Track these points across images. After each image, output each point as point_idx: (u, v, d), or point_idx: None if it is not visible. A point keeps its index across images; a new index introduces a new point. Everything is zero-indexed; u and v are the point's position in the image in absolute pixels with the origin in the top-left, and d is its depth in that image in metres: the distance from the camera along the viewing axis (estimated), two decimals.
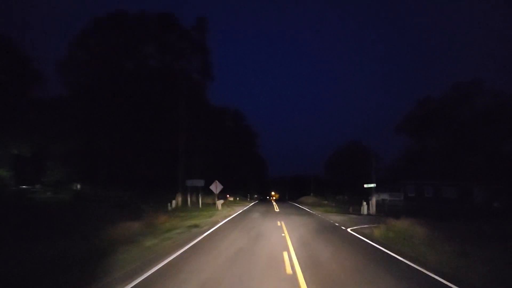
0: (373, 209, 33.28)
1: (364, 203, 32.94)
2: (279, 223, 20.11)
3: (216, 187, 33.12)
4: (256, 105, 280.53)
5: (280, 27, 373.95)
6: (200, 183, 35.06)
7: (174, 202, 33.85)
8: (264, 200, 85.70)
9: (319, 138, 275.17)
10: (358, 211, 34.02)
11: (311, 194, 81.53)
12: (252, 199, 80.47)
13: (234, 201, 51.78)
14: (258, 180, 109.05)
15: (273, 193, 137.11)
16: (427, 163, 61.52)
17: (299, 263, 9.45)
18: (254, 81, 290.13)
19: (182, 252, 10.81)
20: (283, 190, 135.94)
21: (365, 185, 32.66)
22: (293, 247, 11.98)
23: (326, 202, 55.06)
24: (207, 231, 15.94)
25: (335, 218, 25.33)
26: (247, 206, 42.46)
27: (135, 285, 7.16)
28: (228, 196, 52.08)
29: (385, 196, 55.99)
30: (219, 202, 32.45)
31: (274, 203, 56.01)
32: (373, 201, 33.50)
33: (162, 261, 9.42)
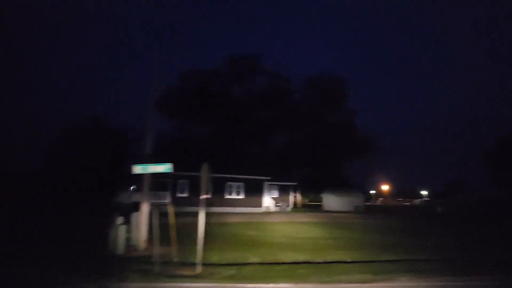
0: (140, 236, 12.54)
1: (120, 223, 11.87)
2: None
3: None
4: None
5: None
6: None
7: None
8: None
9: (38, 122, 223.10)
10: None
11: None
12: None
13: None
14: None
15: None
16: (202, 151, 45.02)
17: None
18: None
19: None
20: None
21: (136, 169, 11.00)
22: None
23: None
24: None
25: None
26: None
27: None
28: None
29: (137, 198, 35.47)
30: None
31: None
32: (143, 217, 12.76)
33: None
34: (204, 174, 10.14)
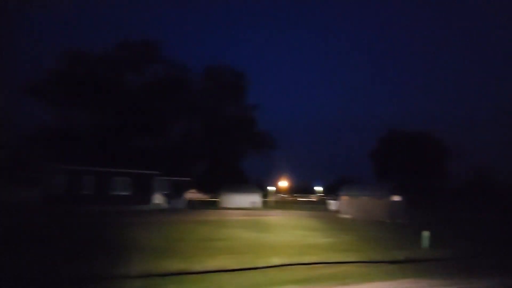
0: None
1: None
2: None
3: None
4: None
5: None
6: None
7: None
8: None
9: None
10: None
11: None
12: None
13: None
14: None
15: None
16: (84, 143, 39.86)
17: None
18: None
19: None
20: None
21: None
22: None
23: None
24: None
25: None
26: None
27: None
28: None
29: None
30: None
31: None
32: None
33: None
34: None
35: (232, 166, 51.75)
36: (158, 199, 33.24)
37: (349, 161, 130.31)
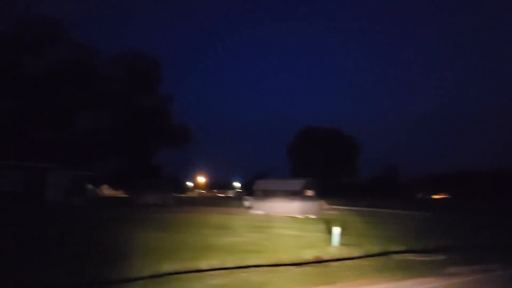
0: None
1: None
2: None
3: None
4: None
5: None
6: None
7: None
8: None
9: None
10: None
11: None
12: None
13: None
14: None
15: None
16: None
17: None
18: None
19: None
20: None
21: None
22: None
23: None
24: None
25: None
26: None
27: None
28: None
29: None
30: None
31: None
32: None
33: None
34: None
35: (145, 160, 48.76)
36: (54, 195, 29.59)
37: (269, 157, 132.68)
